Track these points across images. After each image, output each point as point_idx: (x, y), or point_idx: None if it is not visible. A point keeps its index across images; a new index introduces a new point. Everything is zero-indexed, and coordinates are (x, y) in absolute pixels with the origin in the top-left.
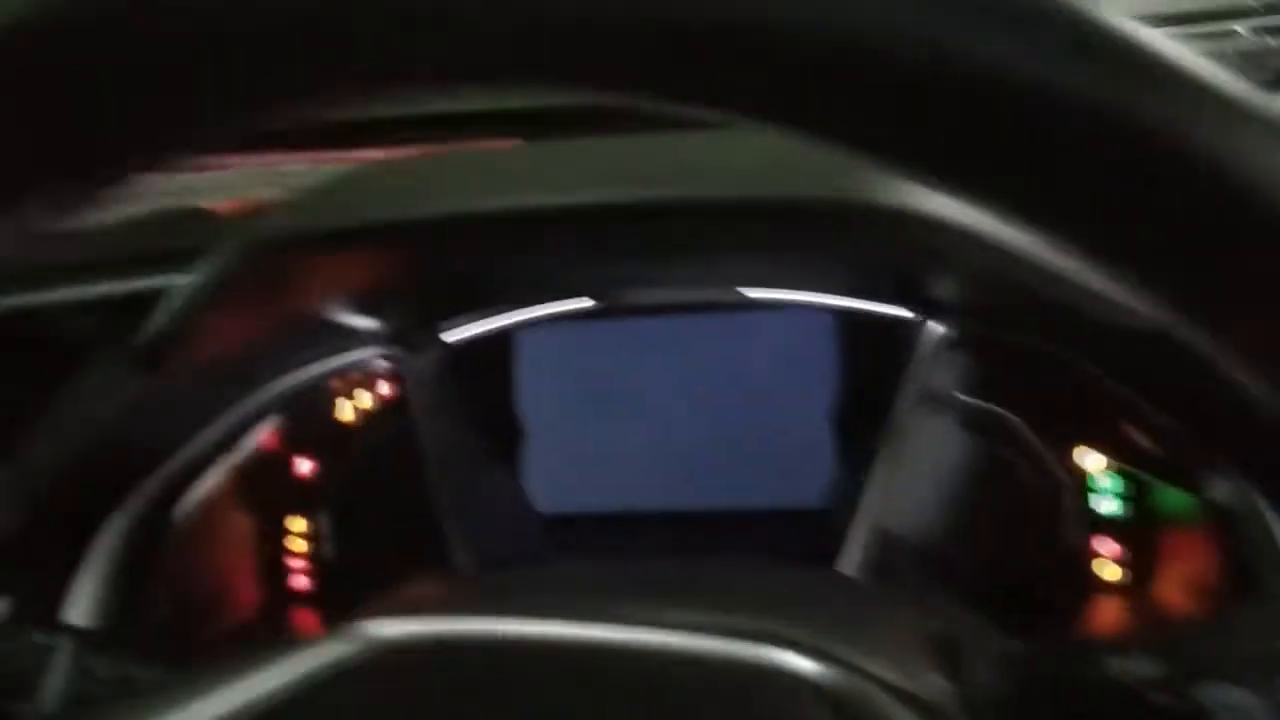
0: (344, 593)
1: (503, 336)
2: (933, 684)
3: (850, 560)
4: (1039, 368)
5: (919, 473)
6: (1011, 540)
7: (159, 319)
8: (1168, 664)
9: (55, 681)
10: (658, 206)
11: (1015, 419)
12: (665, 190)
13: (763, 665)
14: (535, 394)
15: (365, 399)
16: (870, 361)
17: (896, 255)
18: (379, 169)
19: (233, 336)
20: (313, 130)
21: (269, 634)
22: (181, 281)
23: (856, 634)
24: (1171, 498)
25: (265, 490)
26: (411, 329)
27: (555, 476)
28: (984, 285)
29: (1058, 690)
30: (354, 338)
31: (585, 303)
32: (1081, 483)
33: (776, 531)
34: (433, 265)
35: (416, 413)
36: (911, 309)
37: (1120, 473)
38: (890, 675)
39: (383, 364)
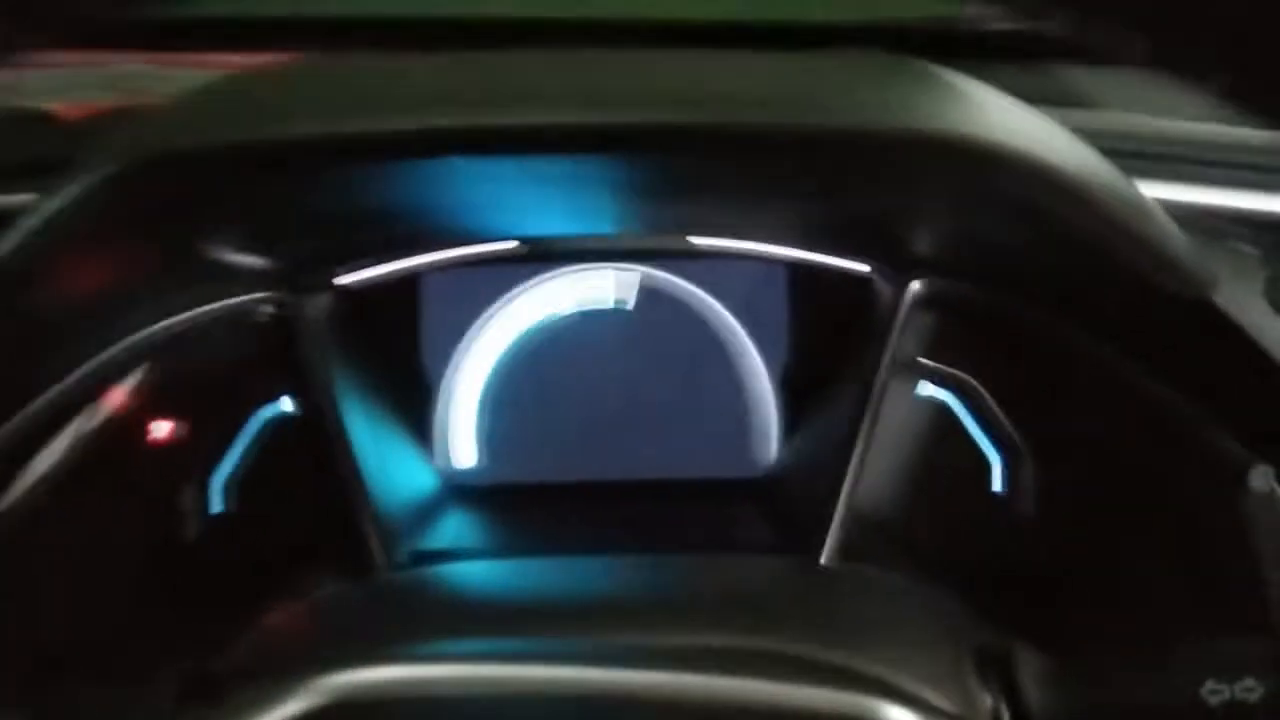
0: (224, 590)
1: (406, 282)
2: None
3: (824, 542)
4: (1013, 334)
5: (888, 446)
6: (979, 521)
7: (4, 247)
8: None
9: None
10: (603, 131)
11: (980, 388)
12: (617, 113)
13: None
14: (442, 349)
15: (246, 349)
16: (825, 321)
17: (879, 201)
18: (269, 76)
19: (92, 273)
20: (149, 27)
21: (131, 662)
22: (25, 200)
23: (909, 655)
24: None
25: (122, 462)
26: (301, 270)
27: (465, 442)
28: (977, 238)
29: (1127, 715)
30: (234, 278)
31: (503, 245)
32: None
33: (712, 504)
34: (330, 194)
35: (308, 366)
36: (876, 263)
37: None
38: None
39: (267, 310)
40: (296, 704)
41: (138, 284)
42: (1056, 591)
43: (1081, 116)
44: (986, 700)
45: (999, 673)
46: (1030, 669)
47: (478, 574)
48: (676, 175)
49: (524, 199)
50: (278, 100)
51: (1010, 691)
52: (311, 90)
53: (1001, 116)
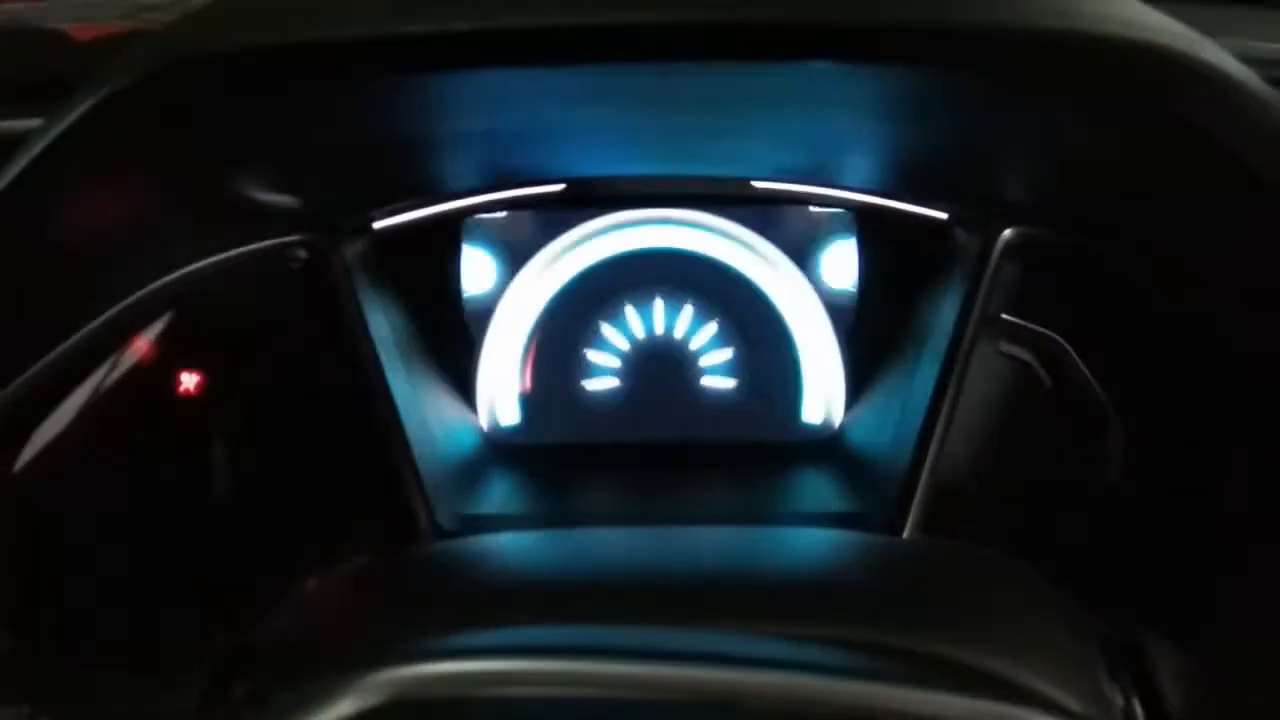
0: (260, 552)
1: (447, 225)
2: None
3: (909, 515)
4: (1112, 286)
5: (973, 409)
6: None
7: (7, 176)
8: None
9: None
10: (675, 29)
11: (1071, 348)
12: (688, 10)
13: None
14: (485, 299)
15: (280, 296)
16: (898, 272)
17: (991, 121)
18: None
19: (105, 203)
20: None
21: (163, 637)
22: (38, 124)
23: (1034, 651)
24: None
25: (149, 415)
26: (337, 212)
27: (509, 399)
28: (1086, 171)
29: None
30: (265, 219)
31: (549, 187)
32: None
33: (773, 469)
34: (358, 116)
35: (345, 315)
36: (959, 208)
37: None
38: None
39: (300, 254)
40: (350, 704)
41: (158, 220)
42: (1172, 575)
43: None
44: (1119, 700)
45: (1132, 669)
46: (1167, 665)
47: (536, 544)
48: (759, 88)
49: (574, 133)
50: (293, 8)
51: (1145, 690)
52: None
53: (1157, 20)
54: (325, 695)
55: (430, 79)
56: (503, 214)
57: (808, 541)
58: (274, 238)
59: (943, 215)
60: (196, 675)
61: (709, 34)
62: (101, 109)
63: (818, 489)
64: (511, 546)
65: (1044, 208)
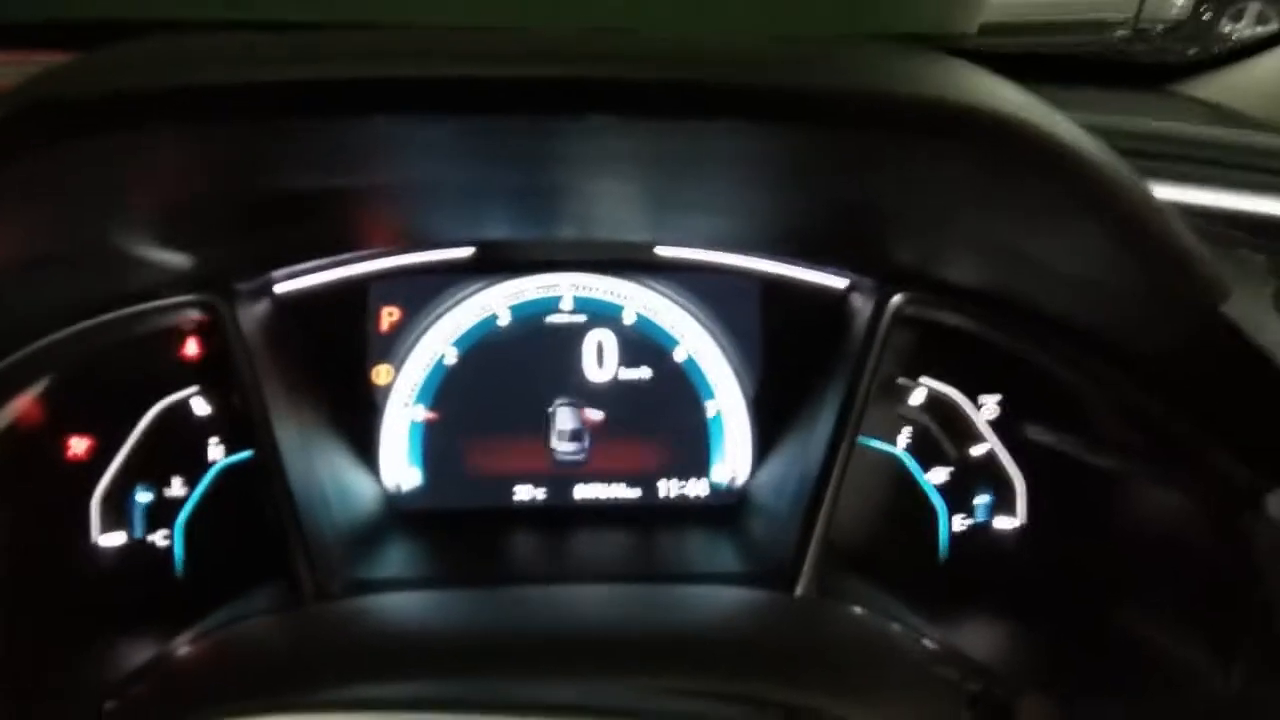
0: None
1: (351, 289)
2: None
3: (800, 574)
4: (1004, 352)
5: (865, 471)
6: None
7: None
8: None
9: None
10: (565, 85)
11: (966, 403)
12: (583, 67)
13: None
14: (388, 360)
15: (171, 360)
16: (800, 337)
17: (878, 186)
18: (183, 39)
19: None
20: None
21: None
22: None
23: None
24: None
25: (27, 479)
26: (235, 272)
27: (409, 462)
28: (972, 240)
29: None
30: (156, 278)
31: (458, 252)
32: None
33: (677, 529)
34: (266, 181)
35: (241, 380)
36: (855, 275)
37: None
38: None
39: (194, 315)
40: None
41: (39, 273)
42: (1051, 630)
43: (1085, 118)
44: None
45: None
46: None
47: (413, 605)
48: (648, 149)
49: (478, 196)
50: (185, 55)
51: None
52: (230, 48)
53: (1023, 99)
54: None
55: (306, 129)
56: (409, 278)
57: (696, 599)
58: (165, 297)
59: (841, 283)
60: None
61: (593, 89)
62: None
63: (720, 550)
64: (386, 608)
65: (933, 274)
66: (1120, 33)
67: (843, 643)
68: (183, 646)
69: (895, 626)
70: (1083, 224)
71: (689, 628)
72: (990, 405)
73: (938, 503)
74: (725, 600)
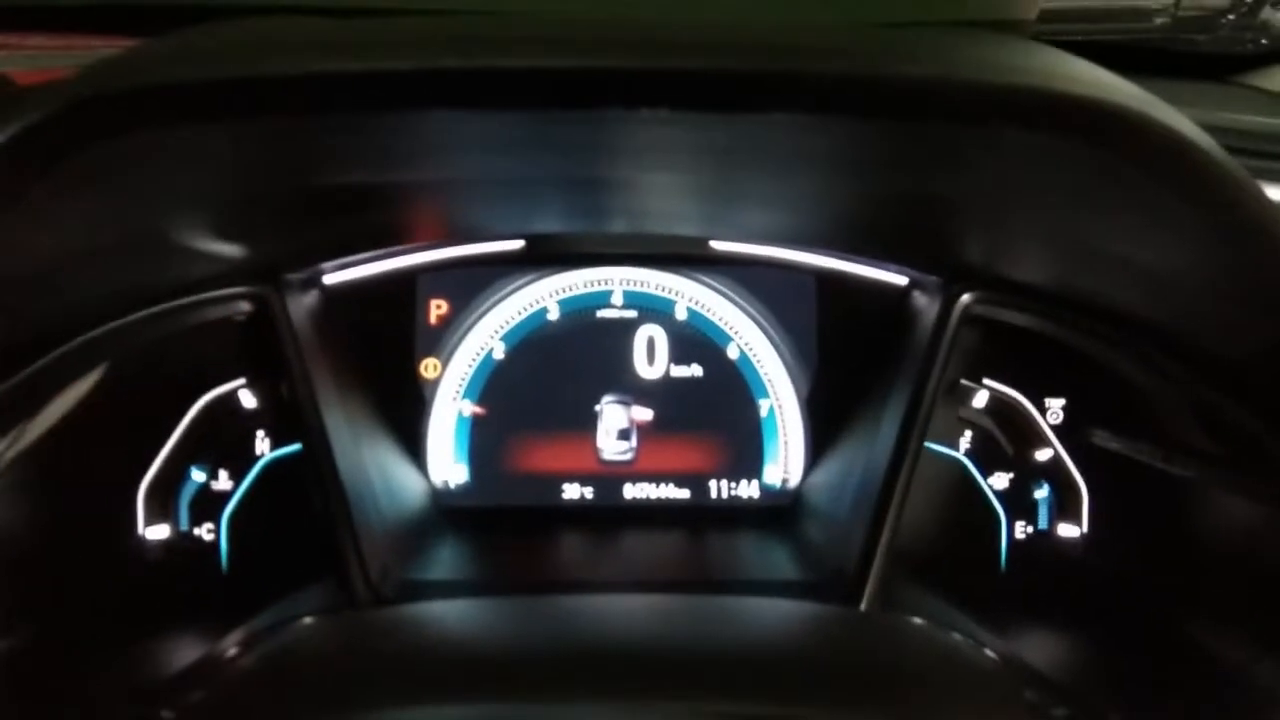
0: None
1: (400, 281)
2: None
3: (865, 586)
4: (1071, 354)
5: (932, 481)
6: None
7: None
8: None
9: None
10: (626, 77)
11: (1031, 407)
12: (647, 58)
13: None
14: (437, 354)
15: (222, 351)
16: (858, 337)
17: (956, 177)
18: (227, 27)
19: (39, 244)
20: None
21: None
22: None
23: None
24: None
25: (77, 471)
26: (285, 265)
27: (457, 459)
28: (1049, 236)
29: None
30: (207, 270)
31: (507, 245)
32: None
33: (728, 533)
34: (321, 174)
35: (291, 373)
36: (919, 272)
37: None
38: None
39: (244, 307)
40: None
41: (92, 260)
42: (1115, 641)
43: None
44: None
45: None
46: None
47: (464, 614)
48: (705, 141)
49: (530, 188)
50: (241, 45)
51: None
52: (285, 36)
53: (1139, 91)
54: None
55: (358, 122)
56: (458, 270)
57: (762, 612)
58: (217, 289)
59: (902, 280)
60: None
61: (662, 80)
62: (39, 140)
63: (774, 555)
64: (450, 615)
65: (1000, 275)
66: (1176, 19)
67: (915, 663)
68: (233, 648)
69: (968, 643)
70: (1196, 219)
71: (748, 643)
72: (1055, 409)
73: (999, 509)
74: (784, 613)
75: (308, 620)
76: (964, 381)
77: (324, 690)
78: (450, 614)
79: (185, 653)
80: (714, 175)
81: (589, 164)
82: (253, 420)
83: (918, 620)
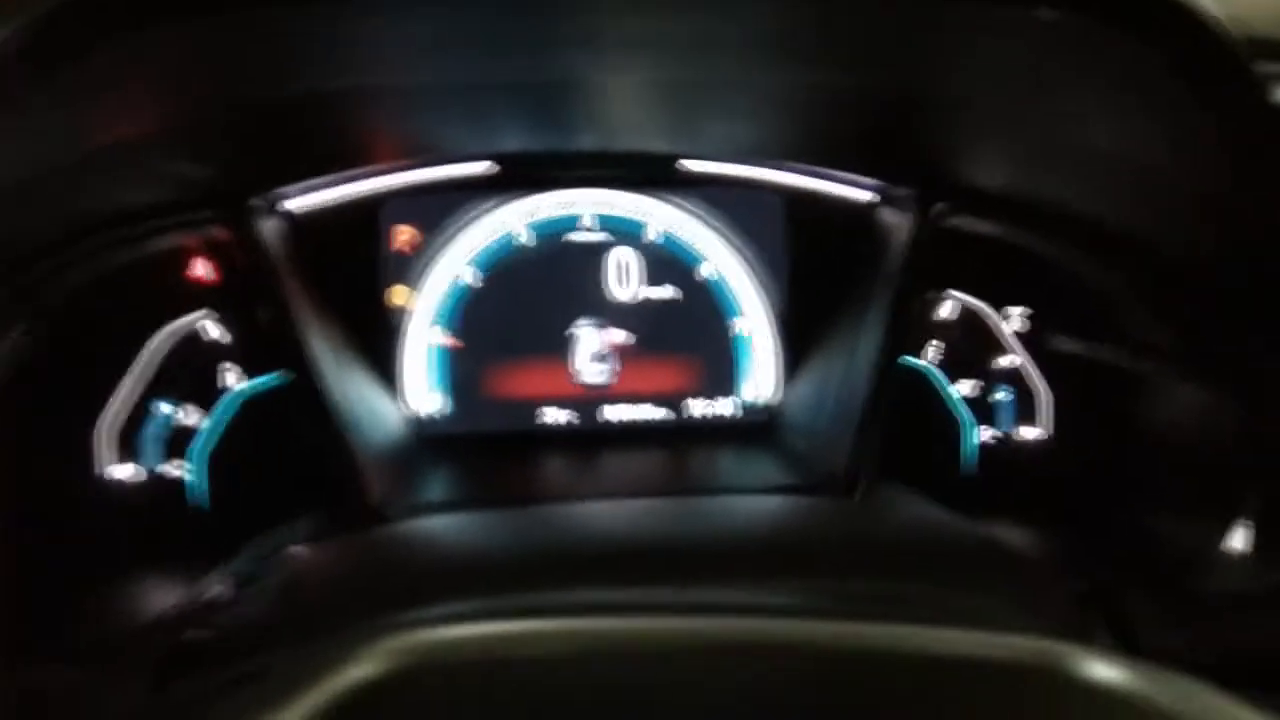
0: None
1: (364, 206)
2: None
3: (856, 483)
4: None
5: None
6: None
7: None
8: None
9: None
10: None
11: (993, 315)
12: None
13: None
14: (405, 281)
15: (177, 282)
16: (827, 253)
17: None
18: None
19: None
20: None
21: (96, 634)
22: None
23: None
24: None
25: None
26: (247, 188)
27: (432, 387)
28: (1029, 163)
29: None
30: (167, 191)
31: (474, 167)
32: None
33: (711, 447)
34: (266, 82)
35: (273, 295)
36: (888, 186)
37: None
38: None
39: (217, 231)
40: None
41: (45, 182)
42: (1076, 533)
43: None
44: (1105, 638)
45: (1101, 607)
46: (1139, 607)
47: (476, 524)
48: (670, 35)
49: (496, 104)
50: None
51: (1116, 625)
52: None
53: None
54: (340, 659)
55: (305, 21)
56: (423, 196)
57: (749, 508)
58: (180, 214)
59: (871, 196)
60: (139, 672)
61: None
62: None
63: (758, 465)
64: (458, 527)
65: (968, 183)
66: None
67: (932, 538)
68: (218, 585)
69: (968, 522)
70: (1189, 96)
71: (752, 531)
72: (1017, 316)
73: (964, 415)
74: (779, 506)
75: (326, 541)
76: (930, 292)
77: (375, 594)
78: (458, 526)
79: (169, 591)
80: (678, 73)
81: (547, 65)
82: (218, 353)
83: (914, 504)
